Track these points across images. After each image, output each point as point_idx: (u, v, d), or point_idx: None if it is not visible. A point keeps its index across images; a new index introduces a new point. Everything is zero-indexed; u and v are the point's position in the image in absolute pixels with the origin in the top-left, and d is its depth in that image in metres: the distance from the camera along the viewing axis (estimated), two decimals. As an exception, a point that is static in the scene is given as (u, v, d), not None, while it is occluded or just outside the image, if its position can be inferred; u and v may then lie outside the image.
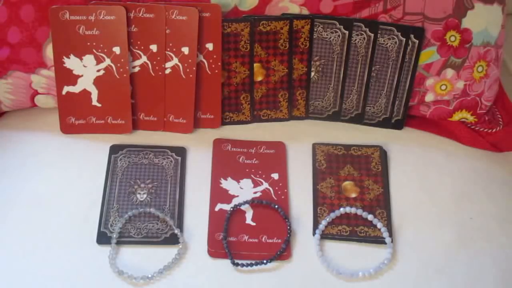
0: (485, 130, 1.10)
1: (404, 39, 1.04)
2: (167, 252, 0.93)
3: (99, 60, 1.03)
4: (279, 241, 0.95)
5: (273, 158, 1.05)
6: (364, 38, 1.05)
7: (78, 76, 1.04)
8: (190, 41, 1.02)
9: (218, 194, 1.00)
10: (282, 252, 0.93)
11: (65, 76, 1.04)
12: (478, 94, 1.08)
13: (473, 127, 1.11)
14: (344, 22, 1.04)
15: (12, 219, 0.95)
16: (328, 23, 1.04)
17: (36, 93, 1.07)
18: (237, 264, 0.91)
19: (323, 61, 1.07)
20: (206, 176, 1.03)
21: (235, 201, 0.99)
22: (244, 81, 1.07)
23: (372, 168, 1.04)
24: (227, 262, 0.92)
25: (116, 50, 1.03)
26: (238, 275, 0.91)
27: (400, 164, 1.06)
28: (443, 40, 1.04)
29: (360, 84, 1.08)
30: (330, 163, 1.05)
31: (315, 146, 1.07)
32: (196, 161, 1.05)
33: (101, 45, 1.03)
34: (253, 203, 0.99)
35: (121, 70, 1.04)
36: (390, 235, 0.96)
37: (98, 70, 1.04)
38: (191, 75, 1.04)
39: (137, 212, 0.97)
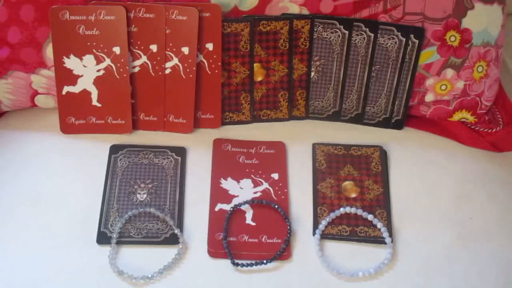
0: (485, 130, 1.10)
1: (404, 39, 1.04)
2: (167, 252, 0.93)
3: (99, 60, 1.04)
4: (279, 241, 0.95)
5: (273, 158, 1.05)
6: (364, 38, 1.05)
7: (78, 76, 1.04)
8: (190, 41, 1.02)
9: (218, 194, 1.00)
10: (282, 252, 0.93)
11: (65, 76, 1.04)
12: (478, 94, 1.08)
13: (473, 127, 1.11)
14: (344, 22, 1.04)
15: (12, 219, 0.96)
16: (328, 23, 1.04)
17: (36, 93, 1.07)
18: (237, 264, 0.91)
19: (323, 61, 1.07)
20: (206, 176, 1.03)
21: (235, 201, 0.99)
22: (244, 81, 1.07)
23: (372, 168, 1.04)
24: (227, 262, 0.92)
25: (116, 50, 1.03)
26: (238, 275, 0.91)
27: (400, 164, 1.06)
28: (443, 40, 1.04)
29: (360, 84, 1.08)
30: (330, 163, 1.05)
31: (315, 146, 1.07)
32: (196, 161, 1.05)
33: (101, 45, 1.03)
34: (253, 203, 0.99)
35: (121, 70, 1.04)
36: (390, 235, 0.96)
37: (98, 70, 1.04)
38: (191, 75, 1.04)
39: (137, 212, 0.97)
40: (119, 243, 0.94)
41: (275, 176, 1.03)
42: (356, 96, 1.09)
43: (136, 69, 1.05)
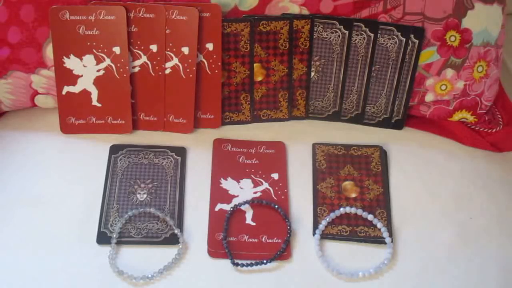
0: (485, 130, 1.10)
1: (404, 39, 1.04)
2: (167, 252, 0.93)
3: (99, 60, 1.04)
4: (279, 241, 0.95)
5: (273, 158, 1.05)
6: (364, 38, 1.05)
7: (78, 76, 1.04)
8: (190, 41, 1.02)
9: (218, 194, 1.00)
10: (282, 252, 0.93)
11: (65, 76, 1.04)
12: (478, 94, 1.08)
13: (473, 127, 1.11)
14: (344, 22, 1.04)
15: (12, 219, 0.95)
16: (328, 23, 1.04)
17: (36, 93, 1.07)
18: (237, 264, 0.91)
19: (323, 61, 1.07)
20: (206, 176, 1.03)
21: (235, 201, 0.99)
22: (244, 81, 1.07)
23: (372, 168, 1.05)
24: (227, 262, 0.92)
25: (116, 50, 1.03)
26: (238, 275, 0.91)
27: (400, 164, 1.06)
28: (443, 40, 1.04)
29: (360, 84, 1.08)
30: (330, 163, 1.05)
31: (315, 146, 1.07)
32: (196, 161, 1.05)
33: (101, 45, 1.03)
34: (253, 203, 0.99)
35: (121, 70, 1.04)
36: (390, 235, 0.96)
37: (98, 70, 1.04)
38: (191, 75, 1.04)
39: (137, 212, 0.97)
40: (119, 243, 0.94)
41: (275, 176, 1.03)
42: (356, 96, 1.09)
43: (136, 69, 1.05)
